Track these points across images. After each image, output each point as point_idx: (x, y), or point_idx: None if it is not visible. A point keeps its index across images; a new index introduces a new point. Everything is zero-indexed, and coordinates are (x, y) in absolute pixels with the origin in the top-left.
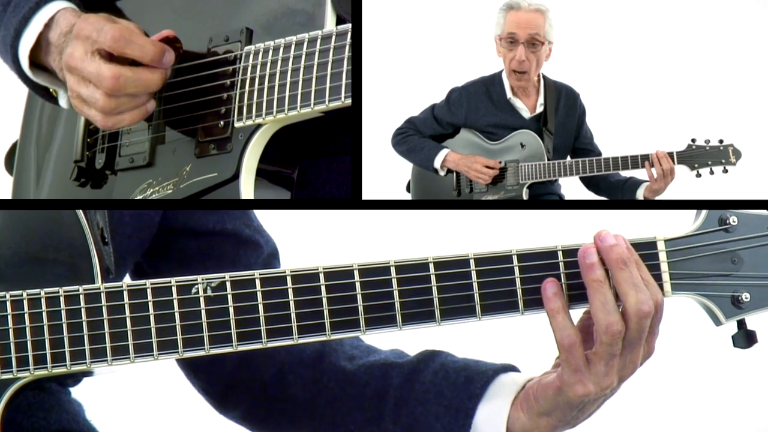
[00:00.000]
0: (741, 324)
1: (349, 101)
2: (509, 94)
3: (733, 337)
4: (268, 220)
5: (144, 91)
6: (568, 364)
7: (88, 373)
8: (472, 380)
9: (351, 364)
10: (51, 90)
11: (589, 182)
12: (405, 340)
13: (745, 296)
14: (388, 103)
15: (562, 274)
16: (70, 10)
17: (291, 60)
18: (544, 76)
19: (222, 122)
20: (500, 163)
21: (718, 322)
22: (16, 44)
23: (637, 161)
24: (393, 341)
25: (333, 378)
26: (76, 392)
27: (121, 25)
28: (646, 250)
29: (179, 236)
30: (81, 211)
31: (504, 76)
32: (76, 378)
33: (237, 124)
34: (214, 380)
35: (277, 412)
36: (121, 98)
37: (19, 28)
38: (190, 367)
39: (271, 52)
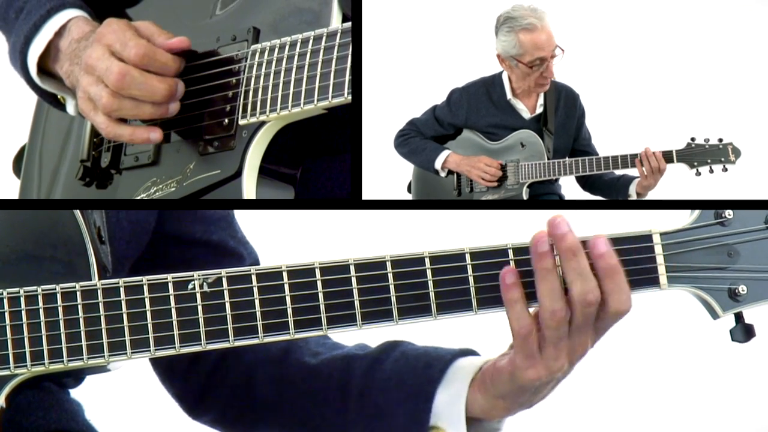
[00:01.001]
0: (739, 318)
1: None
2: (509, 95)
3: (731, 331)
4: (268, 220)
5: (148, 98)
6: (523, 350)
7: (87, 372)
8: (430, 365)
9: (315, 359)
10: (59, 97)
11: (585, 182)
12: (410, 338)
13: (742, 289)
14: (388, 103)
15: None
16: (82, 19)
17: (296, 57)
18: None
19: (226, 120)
20: (501, 164)
21: (715, 315)
22: (26, 51)
23: (635, 160)
24: (383, 337)
25: (298, 374)
26: (76, 392)
27: (145, 42)
28: (641, 243)
29: (164, 243)
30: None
31: (504, 76)
32: (77, 379)
33: (241, 122)
34: (190, 386)
35: (246, 413)
36: (124, 100)
37: (30, 35)
38: (165, 373)
39: (276, 50)
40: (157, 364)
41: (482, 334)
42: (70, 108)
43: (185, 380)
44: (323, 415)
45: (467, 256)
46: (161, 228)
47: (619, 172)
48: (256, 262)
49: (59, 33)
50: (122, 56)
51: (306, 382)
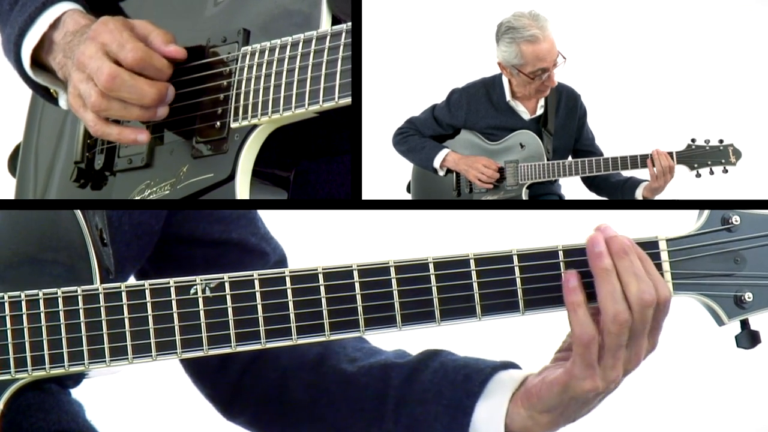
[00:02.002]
0: (744, 324)
1: (342, 101)
2: (509, 97)
3: (736, 337)
4: (267, 220)
5: (136, 101)
6: (583, 359)
7: (87, 375)
8: (470, 378)
9: (352, 366)
10: (52, 91)
11: (590, 183)
12: (410, 341)
13: (748, 296)
14: (388, 103)
15: (562, 274)
16: (77, 12)
17: (286, 60)
18: None
19: (218, 123)
20: (500, 166)
21: (720, 322)
22: (20, 43)
23: (636, 161)
24: (399, 342)
25: (333, 380)
26: (76, 392)
27: (142, 45)
28: (647, 249)
29: (185, 245)
30: (80, 211)
31: (504, 78)
32: (76, 379)
33: (233, 125)
34: (220, 387)
35: (280, 416)
36: (112, 101)
37: (24, 27)
38: (197, 374)
39: (267, 52)
40: (188, 364)
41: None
42: (63, 102)
43: (216, 381)
44: (359, 423)
45: (471, 262)
46: (177, 231)
47: (625, 173)
48: (283, 258)
49: (54, 25)
50: (118, 57)
51: (342, 389)
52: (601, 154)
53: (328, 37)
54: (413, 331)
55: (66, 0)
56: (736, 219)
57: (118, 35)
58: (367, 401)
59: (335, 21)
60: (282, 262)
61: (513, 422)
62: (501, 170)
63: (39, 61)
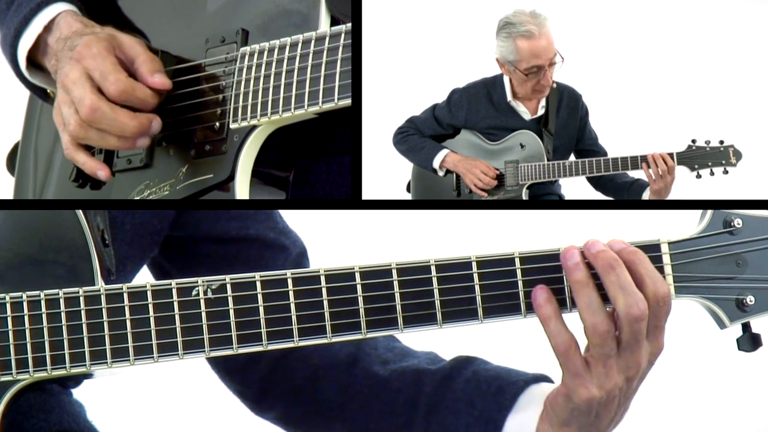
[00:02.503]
0: (746, 327)
1: (342, 103)
2: (510, 97)
3: (737, 340)
4: (283, 217)
5: (116, 133)
6: (567, 369)
7: (89, 375)
8: (503, 391)
9: (384, 369)
10: (48, 91)
11: (596, 183)
12: (442, 340)
13: (750, 299)
14: (388, 103)
15: (565, 277)
16: (71, 14)
17: (285, 61)
18: None
19: (218, 123)
20: (498, 173)
21: (722, 326)
22: (16, 44)
23: (636, 162)
24: (430, 340)
25: (365, 383)
26: (78, 393)
27: (124, 77)
28: (649, 252)
29: (204, 243)
30: (81, 212)
31: (505, 78)
32: (76, 379)
33: (232, 126)
34: (250, 383)
35: (310, 414)
36: (91, 130)
37: (20, 28)
38: (225, 371)
39: (266, 53)
40: (215, 361)
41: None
42: None
43: (245, 377)
44: (389, 427)
45: (473, 264)
46: (194, 230)
47: (623, 173)
48: (303, 250)
49: (48, 27)
50: (101, 87)
51: (374, 391)
52: (605, 154)
53: (327, 38)
54: (450, 331)
55: (61, 1)
56: (738, 222)
57: (101, 63)
58: (398, 406)
59: (334, 22)
60: (302, 254)
61: None
62: (499, 177)
63: (36, 61)
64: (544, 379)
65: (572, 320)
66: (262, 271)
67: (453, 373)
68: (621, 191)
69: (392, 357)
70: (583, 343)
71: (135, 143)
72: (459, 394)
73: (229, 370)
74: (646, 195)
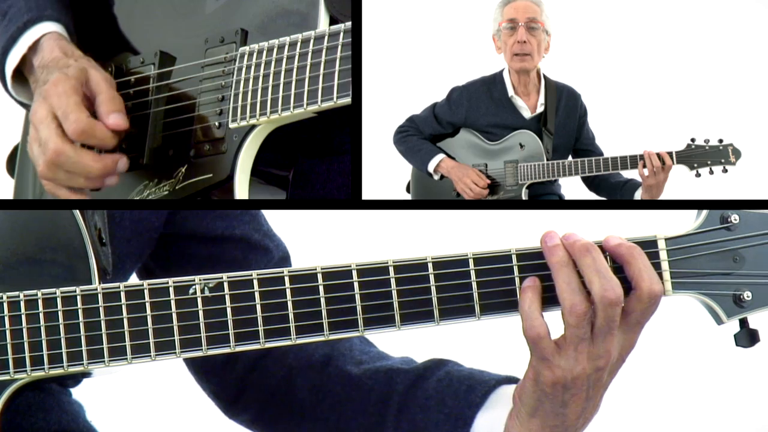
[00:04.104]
0: (743, 323)
1: (341, 101)
2: (511, 92)
3: (735, 336)
4: (267, 220)
5: (82, 174)
6: (535, 353)
7: (87, 374)
8: (473, 389)
9: (357, 369)
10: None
11: (590, 183)
12: (417, 348)
13: (747, 295)
14: (388, 103)
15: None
16: (55, 37)
17: (284, 60)
18: (545, 76)
19: (217, 123)
20: (489, 182)
21: (719, 321)
22: (3, 61)
23: (635, 161)
24: (406, 347)
25: (338, 382)
26: (77, 393)
27: (84, 117)
28: (646, 248)
29: (188, 242)
30: (78, 211)
31: (505, 74)
32: (75, 378)
33: (231, 125)
34: (226, 384)
35: (283, 416)
36: (58, 171)
37: (7, 47)
38: (202, 372)
39: (264, 52)
40: (192, 362)
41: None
42: None
43: (221, 378)
44: (360, 426)
45: (470, 261)
46: (180, 228)
47: (625, 173)
48: (285, 254)
49: (33, 48)
50: (63, 125)
51: (346, 390)
52: (601, 154)
53: (326, 37)
54: (418, 339)
55: (48, 20)
56: (735, 218)
57: (65, 101)
58: (370, 405)
59: (333, 21)
60: (285, 259)
61: None
62: (491, 186)
63: (23, 74)
64: (516, 380)
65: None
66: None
67: (426, 373)
68: (615, 190)
69: (367, 359)
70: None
71: (103, 183)
72: (430, 393)
73: (206, 372)
74: (638, 193)
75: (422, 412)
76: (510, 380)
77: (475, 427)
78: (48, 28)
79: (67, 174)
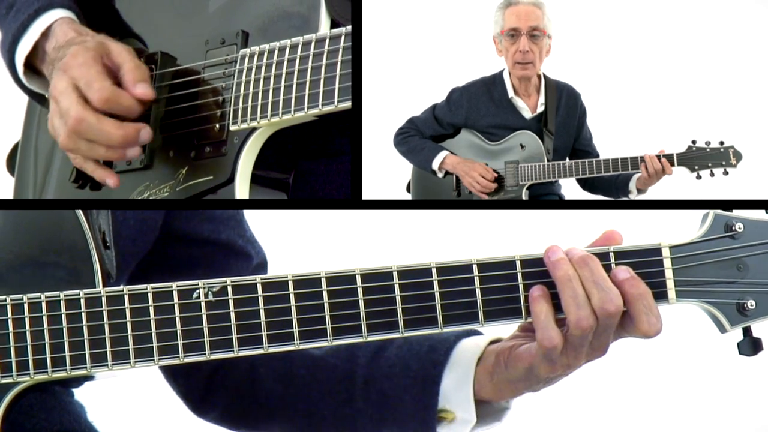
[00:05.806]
0: (747, 331)
1: (342, 105)
2: (511, 93)
3: (738, 344)
4: (268, 220)
5: (103, 142)
6: (544, 357)
7: (89, 377)
8: (434, 348)
9: (318, 350)
10: (46, 96)
11: (584, 182)
12: None
13: (751, 303)
14: (388, 104)
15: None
16: (67, 21)
17: (285, 63)
18: (544, 76)
19: (218, 125)
20: (496, 176)
21: (723, 330)
22: (14, 50)
23: (636, 162)
24: None
25: (301, 365)
26: (78, 393)
27: (109, 85)
28: (650, 256)
29: (172, 243)
30: (82, 214)
31: (505, 75)
32: (78, 380)
33: (232, 128)
34: (193, 384)
35: (252, 409)
36: (80, 141)
37: (17, 35)
38: (170, 373)
39: (266, 55)
40: None
41: None
42: None
43: (189, 378)
44: (329, 405)
45: (474, 268)
46: (169, 227)
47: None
48: (264, 262)
49: (45, 34)
50: (86, 95)
51: (311, 372)
52: (598, 155)
53: (327, 40)
54: None
55: (58, 7)
56: (739, 226)
57: (86, 71)
58: (336, 383)
59: (334, 24)
60: (262, 265)
61: (481, 388)
62: (498, 179)
63: (34, 66)
64: (475, 333)
65: None
66: (222, 276)
67: (385, 342)
68: (609, 186)
69: None
70: None
71: (124, 153)
72: (393, 360)
73: (173, 373)
74: (632, 183)
75: (389, 380)
76: (469, 334)
77: (444, 385)
78: (59, 14)
79: (88, 144)
